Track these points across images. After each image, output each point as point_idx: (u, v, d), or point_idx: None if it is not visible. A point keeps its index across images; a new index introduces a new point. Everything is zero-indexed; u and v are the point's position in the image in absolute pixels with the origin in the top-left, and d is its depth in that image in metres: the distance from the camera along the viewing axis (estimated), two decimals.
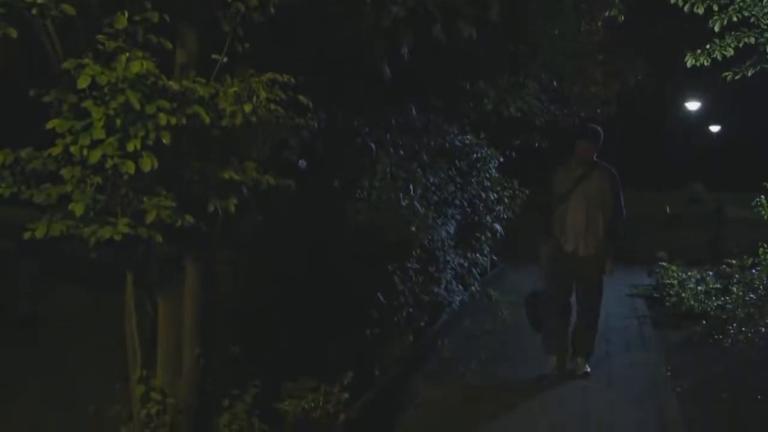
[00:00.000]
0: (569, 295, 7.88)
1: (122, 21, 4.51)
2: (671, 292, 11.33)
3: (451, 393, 7.07)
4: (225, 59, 4.87)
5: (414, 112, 9.18)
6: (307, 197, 6.50)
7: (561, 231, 7.82)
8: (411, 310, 7.99)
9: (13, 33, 4.26)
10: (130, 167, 4.38)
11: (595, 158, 7.80)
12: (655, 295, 11.97)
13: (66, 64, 4.40)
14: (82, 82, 4.33)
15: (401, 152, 8.76)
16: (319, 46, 6.57)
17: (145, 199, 4.53)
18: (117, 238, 4.45)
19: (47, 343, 7.05)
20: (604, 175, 7.72)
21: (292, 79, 4.93)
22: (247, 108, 4.73)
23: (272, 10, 5.05)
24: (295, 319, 6.20)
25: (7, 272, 8.33)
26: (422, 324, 8.65)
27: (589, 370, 7.90)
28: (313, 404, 5.47)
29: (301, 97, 5.07)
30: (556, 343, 7.89)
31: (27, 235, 4.52)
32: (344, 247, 7.02)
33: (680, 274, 11.88)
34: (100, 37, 4.48)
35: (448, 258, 9.49)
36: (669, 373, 8.06)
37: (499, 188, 11.95)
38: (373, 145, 8.15)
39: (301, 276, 6.50)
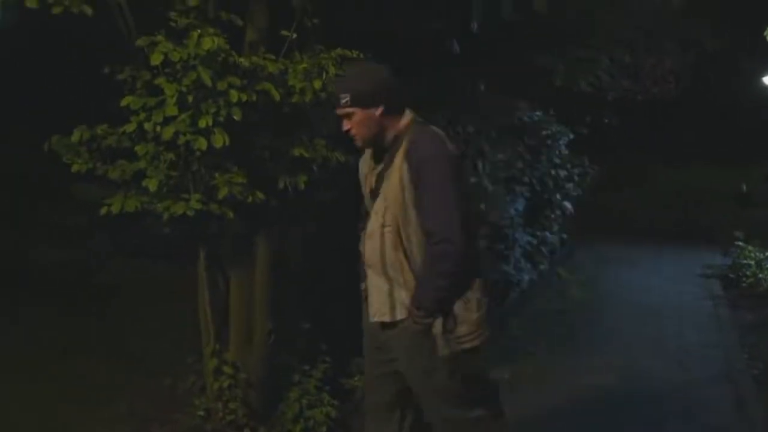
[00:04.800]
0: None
1: None
2: (747, 272, 11.03)
3: (519, 373, 7.01)
4: (294, 35, 4.87)
5: (482, 87, 9.08)
6: None
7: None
8: None
9: (89, 10, 4.32)
10: (202, 143, 4.43)
11: (374, 129, 3.49)
12: (731, 275, 11.67)
13: (139, 42, 4.46)
14: (155, 59, 4.38)
15: (469, 129, 8.67)
16: (387, 22, 6.52)
17: (216, 175, 4.58)
18: (189, 213, 4.52)
19: (122, 314, 7.23)
20: (407, 159, 3.37)
21: (361, 55, 4.90)
22: (317, 84, 4.73)
23: None
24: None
25: (84, 246, 8.54)
26: (491, 302, 8.58)
27: None
28: None
29: None
30: None
31: (103, 210, 4.62)
32: None
33: (758, 254, 11.55)
34: (172, 14, 4.53)
35: (516, 236, 9.39)
36: (746, 356, 7.87)
37: (569, 165, 11.77)
38: (443, 122, 8.08)
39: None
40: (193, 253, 5.07)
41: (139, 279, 8.20)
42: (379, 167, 3.53)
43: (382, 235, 3.35)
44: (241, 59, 4.60)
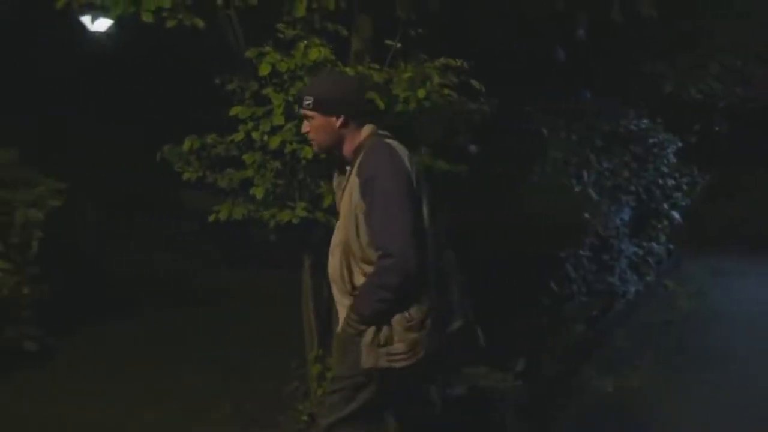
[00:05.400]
0: None
1: (301, 9, 4.63)
2: None
3: (624, 386, 6.84)
4: (399, 45, 4.90)
5: (587, 95, 8.94)
6: (477, 182, 6.46)
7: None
8: (583, 298, 7.80)
9: (200, 23, 4.45)
10: (308, 152, 4.50)
11: (330, 138, 3.43)
12: None
13: (248, 53, 4.57)
14: (263, 70, 4.48)
15: (573, 137, 8.55)
16: (492, 30, 6.50)
17: (321, 183, 4.64)
18: (295, 221, 4.59)
19: (229, 319, 7.39)
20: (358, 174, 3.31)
21: (465, 64, 4.89)
22: (421, 93, 4.74)
23: None
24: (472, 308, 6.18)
25: (193, 253, 8.79)
26: (595, 313, 8.43)
27: None
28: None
29: (473, 82, 5.03)
30: None
31: (212, 217, 4.74)
32: (514, 234, 6.93)
33: None
34: (279, 25, 4.62)
35: (622, 246, 9.20)
36: None
37: (677, 174, 11.46)
38: (544, 130, 8.00)
39: (469, 261, 6.47)
40: (298, 260, 5.14)
41: (245, 285, 8.38)
42: (343, 181, 3.49)
43: (340, 251, 3.30)
44: (347, 69, 4.65)
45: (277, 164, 4.66)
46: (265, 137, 4.59)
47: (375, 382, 3.18)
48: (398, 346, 3.09)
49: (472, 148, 6.27)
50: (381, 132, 3.31)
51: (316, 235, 5.01)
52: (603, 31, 7.31)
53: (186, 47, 6.21)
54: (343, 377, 3.24)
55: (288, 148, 4.55)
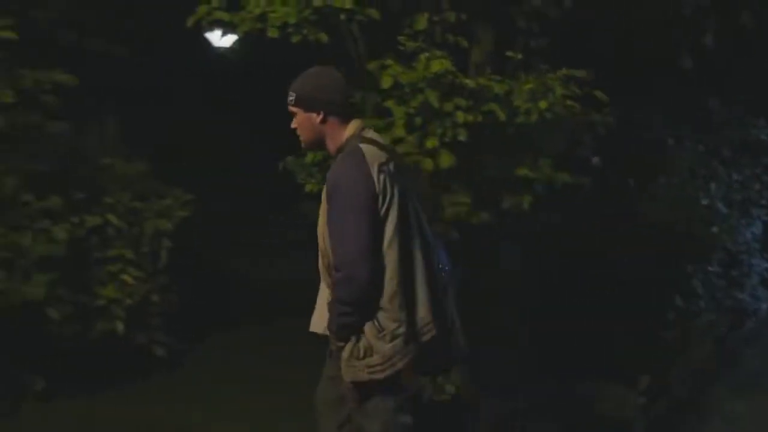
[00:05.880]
0: None
1: (422, 22, 4.66)
2: None
3: (757, 408, 6.54)
4: (520, 56, 4.85)
5: (715, 103, 8.63)
6: (600, 194, 6.34)
7: None
8: (711, 315, 7.51)
9: (324, 38, 4.53)
10: (428, 164, 4.51)
11: (313, 134, 3.30)
12: None
13: (370, 66, 4.61)
14: (385, 83, 4.51)
15: (701, 147, 8.26)
16: (615, 39, 6.35)
17: (442, 195, 4.63)
18: None
19: None
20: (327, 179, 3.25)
21: (588, 74, 4.80)
22: (543, 105, 4.68)
23: (569, 4, 4.97)
24: (583, 318, 6.06)
25: (309, 263, 8.90)
26: (723, 331, 8.11)
27: None
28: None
29: (597, 93, 4.93)
30: None
31: None
32: (638, 247, 6.75)
33: None
34: (401, 38, 4.65)
35: (753, 262, 8.81)
36: None
37: None
38: (670, 140, 7.76)
39: (591, 274, 6.35)
40: None
41: None
42: None
43: (321, 257, 3.21)
44: (467, 80, 4.64)
45: None
46: None
47: (376, 394, 3.10)
48: (375, 358, 3.01)
49: (595, 159, 6.15)
50: (364, 133, 3.17)
51: None
52: (732, 36, 7.04)
53: (307, 60, 6.30)
54: (347, 396, 3.19)
55: (409, 160, 4.56)
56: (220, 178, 8.83)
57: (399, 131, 4.57)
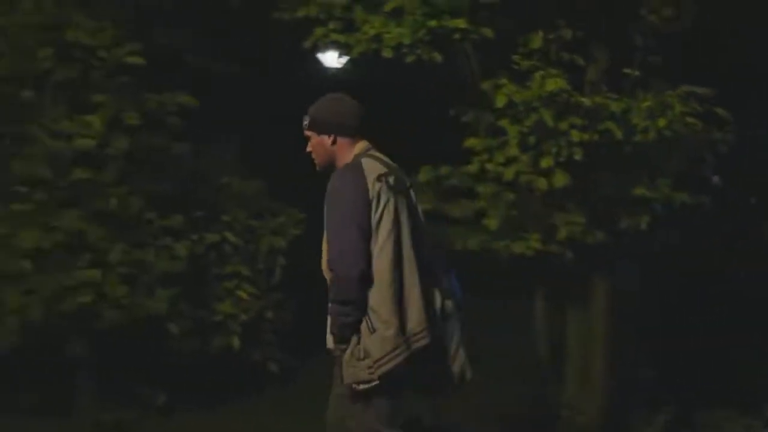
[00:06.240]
0: None
1: (537, 40, 4.63)
2: None
3: None
4: (637, 73, 4.76)
5: None
6: (720, 212, 6.14)
7: None
8: None
9: (438, 57, 4.55)
10: (542, 184, 4.47)
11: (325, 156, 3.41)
12: None
13: (484, 85, 4.61)
14: (499, 102, 4.51)
15: None
16: (739, 53, 6.16)
17: (556, 215, 4.59)
18: (528, 253, 4.56)
19: None
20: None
21: (710, 91, 4.68)
22: (661, 123, 4.58)
23: (688, 20, 4.85)
24: (703, 339, 5.87)
25: None
26: None
27: None
28: None
29: (718, 110, 4.79)
30: None
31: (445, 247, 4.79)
32: (759, 265, 6.51)
33: None
34: (515, 57, 4.63)
35: None
36: None
37: None
38: None
39: (711, 293, 6.15)
40: (529, 290, 5.11)
41: (473, 312, 8.39)
42: None
43: (325, 263, 3.29)
44: (583, 99, 4.58)
45: (511, 195, 4.66)
46: (500, 168, 4.60)
47: (375, 394, 3.15)
48: (368, 361, 3.10)
49: (716, 179, 5.96)
50: (370, 151, 3.29)
51: (550, 267, 4.96)
52: None
53: (420, 80, 6.36)
54: (344, 401, 3.24)
55: (523, 179, 4.54)
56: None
57: (512, 150, 4.56)
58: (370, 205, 3.13)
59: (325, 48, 5.01)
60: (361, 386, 3.12)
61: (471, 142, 4.72)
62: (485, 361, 6.69)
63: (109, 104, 5.15)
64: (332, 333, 3.23)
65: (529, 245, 4.56)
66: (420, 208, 3.23)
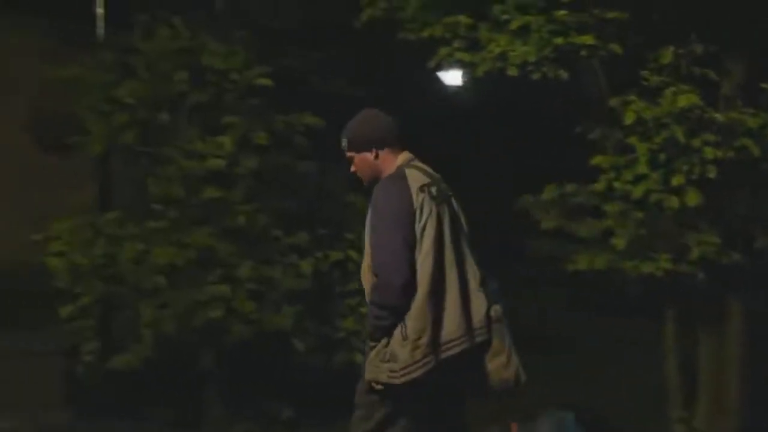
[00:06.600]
0: None
1: (667, 56, 4.52)
2: None
3: None
4: None
5: None
6: None
7: None
8: None
9: (564, 75, 4.51)
10: (673, 202, 4.36)
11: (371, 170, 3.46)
12: None
13: (612, 102, 4.54)
14: (628, 119, 4.43)
15: None
16: None
17: (688, 234, 4.45)
18: (658, 273, 4.44)
19: (572, 368, 7.26)
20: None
21: None
22: None
23: None
24: None
25: (536, 299, 8.80)
26: None
27: None
28: None
29: None
30: None
31: (570, 266, 4.73)
32: None
33: None
34: (644, 72, 4.54)
35: None
36: None
37: None
38: None
39: None
40: (658, 311, 4.97)
41: (593, 334, 8.21)
42: None
43: (367, 271, 3.34)
44: (717, 115, 4.45)
45: (639, 214, 4.56)
46: (628, 186, 4.51)
47: (386, 400, 3.23)
48: (396, 364, 3.17)
49: None
50: (413, 162, 3.37)
51: (680, 287, 4.82)
52: None
53: (541, 97, 6.30)
54: (362, 392, 3.32)
55: (652, 198, 4.44)
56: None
57: (642, 168, 4.46)
58: (414, 215, 3.23)
59: (448, 67, 5.02)
60: (378, 386, 3.21)
61: (598, 159, 4.63)
62: (613, 382, 6.58)
63: (240, 125, 5.31)
64: (367, 331, 3.32)
65: (658, 265, 4.44)
66: (463, 217, 3.28)
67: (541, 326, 8.43)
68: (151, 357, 5.11)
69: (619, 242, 4.54)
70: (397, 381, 3.21)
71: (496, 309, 3.30)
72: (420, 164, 3.42)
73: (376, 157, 3.39)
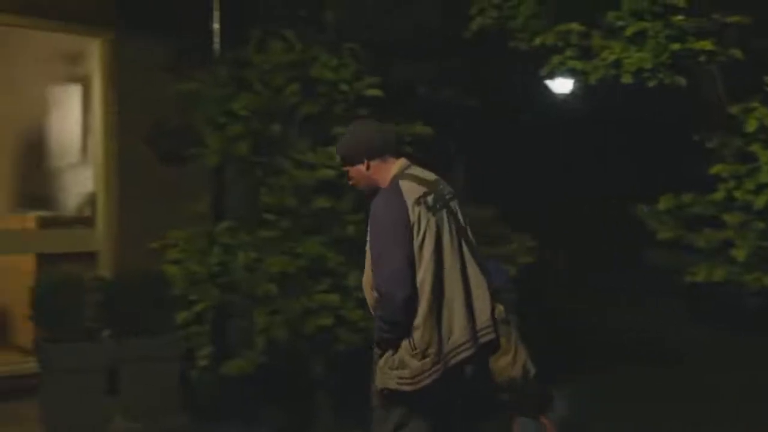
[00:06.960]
0: None
1: None
2: None
3: None
4: None
5: None
6: None
7: None
8: None
9: (681, 81, 4.40)
10: None
11: (366, 181, 3.55)
12: None
13: (733, 109, 4.40)
14: (750, 126, 4.30)
15: None
16: None
17: None
18: None
19: (687, 381, 7.06)
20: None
21: None
22: None
23: None
24: None
25: (653, 312, 8.60)
26: None
27: None
28: None
29: None
30: None
31: (688, 277, 4.61)
32: None
33: None
34: (767, 78, 4.39)
35: None
36: None
37: None
38: None
39: None
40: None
41: (710, 347, 7.97)
42: None
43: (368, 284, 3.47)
44: None
45: (761, 225, 4.40)
46: (749, 196, 4.36)
47: (399, 403, 3.35)
48: (406, 372, 3.29)
49: None
50: (408, 170, 3.43)
51: None
52: None
53: (655, 104, 6.16)
54: (376, 395, 3.45)
55: None
56: (564, 224, 8.84)
57: (764, 177, 4.32)
58: (411, 230, 3.29)
59: (560, 75, 4.96)
60: (387, 392, 3.34)
61: (717, 168, 4.51)
62: (726, 397, 6.36)
63: None
64: (374, 341, 3.45)
65: None
66: (462, 216, 3.31)
67: (660, 339, 8.24)
68: (263, 363, 5.21)
69: (740, 254, 4.40)
70: (407, 388, 3.33)
71: (500, 310, 3.39)
72: (416, 171, 3.45)
73: (368, 168, 3.50)
